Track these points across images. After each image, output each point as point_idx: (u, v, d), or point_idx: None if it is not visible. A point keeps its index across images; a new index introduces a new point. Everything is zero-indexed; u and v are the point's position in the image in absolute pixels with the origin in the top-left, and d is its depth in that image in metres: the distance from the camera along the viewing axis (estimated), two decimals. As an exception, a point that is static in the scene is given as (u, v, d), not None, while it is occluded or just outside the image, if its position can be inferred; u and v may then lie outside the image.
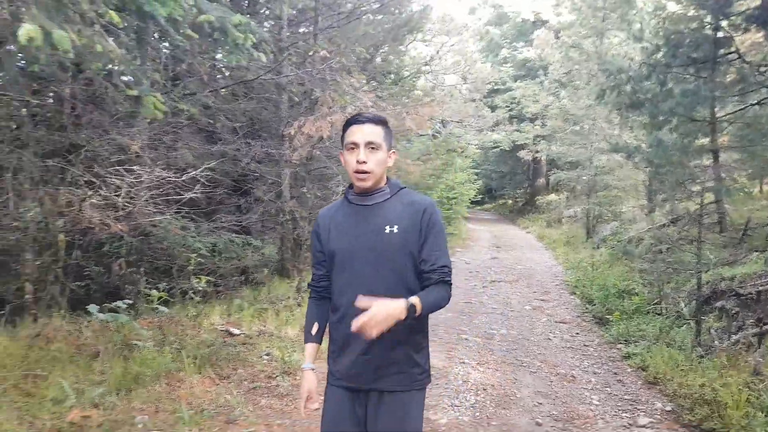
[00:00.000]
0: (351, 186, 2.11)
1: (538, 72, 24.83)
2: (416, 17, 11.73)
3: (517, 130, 25.32)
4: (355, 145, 2.00)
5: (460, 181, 18.15)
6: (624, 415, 4.42)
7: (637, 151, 10.15)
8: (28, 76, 4.45)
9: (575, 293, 9.55)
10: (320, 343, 2.19)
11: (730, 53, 8.37)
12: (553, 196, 23.38)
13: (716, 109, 8.89)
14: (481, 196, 26.19)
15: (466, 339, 6.36)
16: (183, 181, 4.96)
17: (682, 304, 6.75)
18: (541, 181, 29.06)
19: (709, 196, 8.96)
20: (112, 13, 2.33)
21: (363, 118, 2.02)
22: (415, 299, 1.87)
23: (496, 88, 25.17)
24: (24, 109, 4.49)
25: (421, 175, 12.98)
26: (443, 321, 7.04)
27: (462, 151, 18.59)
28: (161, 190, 4.87)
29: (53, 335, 4.84)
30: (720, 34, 8.32)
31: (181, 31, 2.46)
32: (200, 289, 6.08)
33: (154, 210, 5.17)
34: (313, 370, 2.14)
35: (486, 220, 26.70)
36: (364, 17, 10.65)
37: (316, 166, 8.76)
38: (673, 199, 9.38)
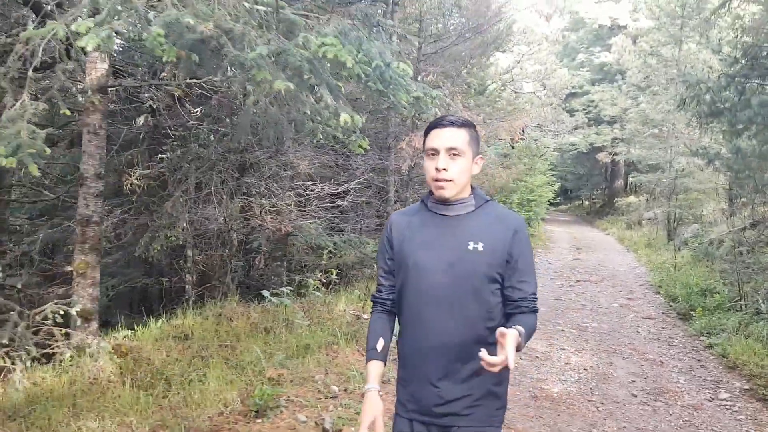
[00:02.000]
0: (431, 192, 1.89)
1: (615, 76, 24.88)
2: (503, 35, 12.52)
3: (596, 133, 25.46)
4: (435, 151, 1.81)
5: (539, 184, 18.69)
6: (706, 391, 5.14)
7: (717, 156, 10.55)
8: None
9: (659, 292, 10.08)
10: (385, 362, 1.91)
11: (807, 65, 8.68)
12: (632, 198, 23.41)
13: (795, 118, 9.17)
14: (557, 198, 26.42)
15: (562, 330, 7.16)
16: (333, 192, 6.08)
17: (761, 302, 7.27)
18: (619, 183, 28.92)
19: (791, 201, 9.31)
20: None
21: (445, 121, 1.83)
22: (521, 330, 1.70)
23: (573, 92, 25.41)
24: (211, 136, 5.72)
25: (506, 179, 13.76)
26: (541, 315, 7.86)
27: (542, 155, 19.13)
28: (325, 200, 6.01)
29: (231, 315, 6.06)
30: (797, 46, 8.67)
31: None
32: (334, 280, 7.21)
33: (301, 215, 6.32)
34: (378, 392, 1.83)
35: (563, 222, 26.94)
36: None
37: (417, 173, 9.77)
38: (753, 203, 9.75)
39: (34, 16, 4.75)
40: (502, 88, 15.59)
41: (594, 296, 9.66)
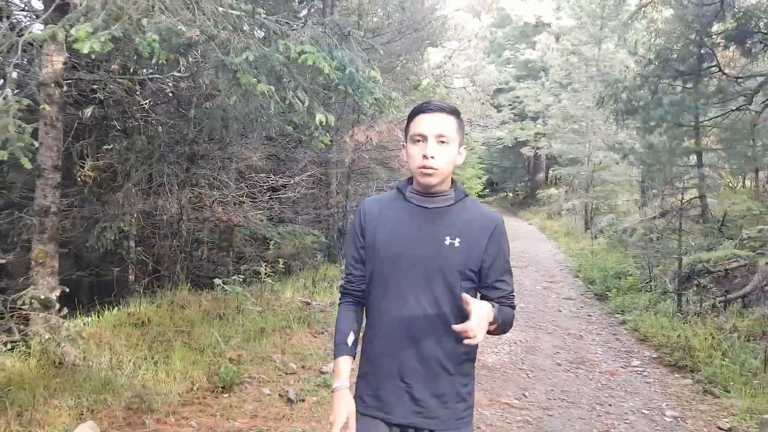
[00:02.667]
0: (410, 180, 1.82)
1: (539, 73, 26.21)
2: (437, 31, 13.08)
3: (520, 128, 26.74)
4: (422, 137, 1.70)
5: (468, 176, 19.53)
6: (620, 359, 5.85)
7: (631, 151, 11.59)
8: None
9: (578, 276, 10.99)
10: (355, 357, 1.84)
11: (712, 67, 9.73)
12: (553, 190, 24.82)
13: (700, 116, 10.25)
14: (484, 190, 27.55)
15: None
16: (280, 184, 6.36)
17: (668, 282, 8.18)
18: (541, 175, 30.50)
19: (694, 192, 10.43)
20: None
21: (434, 106, 1.72)
22: (495, 305, 1.67)
23: (499, 87, 26.54)
24: (159, 127, 5.84)
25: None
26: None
27: (471, 149, 19.98)
28: (278, 192, 6.27)
29: (183, 303, 6.24)
30: (703, 51, 9.70)
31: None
32: (280, 269, 7.49)
33: (251, 207, 6.57)
34: (349, 389, 1.78)
35: (490, 213, 28.11)
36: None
37: (359, 165, 10.16)
38: (663, 195, 10.84)
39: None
40: (436, 83, 16.20)
41: (519, 280, 10.40)
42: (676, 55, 10.16)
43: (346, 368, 1.77)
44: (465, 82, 21.20)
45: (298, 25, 2.89)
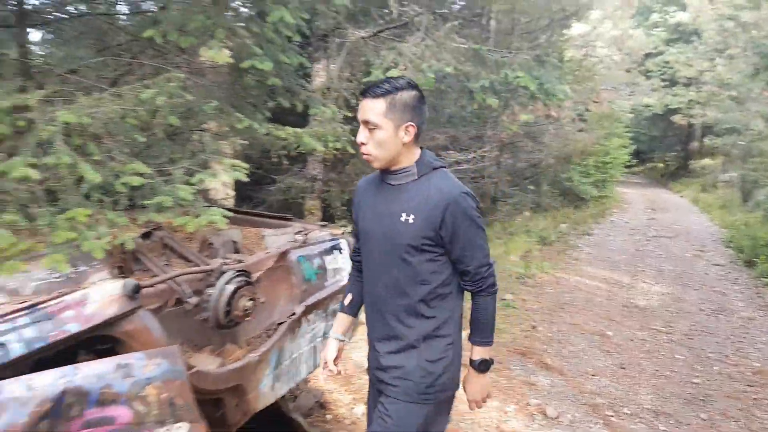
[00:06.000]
0: None
1: (691, 36, 25.66)
2: (583, 7, 14.10)
3: (671, 95, 26.42)
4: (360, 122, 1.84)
5: (614, 147, 20.09)
6: (760, 310, 7.01)
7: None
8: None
9: (729, 246, 11.75)
10: (354, 316, 2.17)
11: None
12: (707, 161, 24.47)
13: None
14: (631, 160, 27.58)
15: (643, 270, 9.07)
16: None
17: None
18: (695, 145, 29.78)
19: None
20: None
21: (366, 91, 1.83)
22: (477, 353, 1.92)
23: (647, 52, 26.35)
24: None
25: (584, 144, 15.44)
26: (623, 260, 9.77)
27: (617, 119, 20.53)
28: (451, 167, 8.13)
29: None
30: None
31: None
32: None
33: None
34: (338, 340, 2.12)
35: (636, 184, 28.19)
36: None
37: (510, 140, 11.68)
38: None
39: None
40: (582, 56, 17.10)
41: (669, 248, 11.44)
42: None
43: (338, 323, 2.17)
44: (611, 50, 21.64)
45: (510, 53, 4.54)
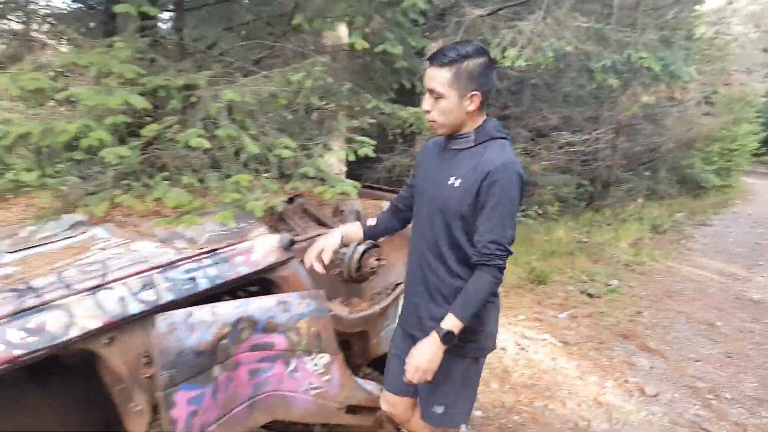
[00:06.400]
0: None
1: None
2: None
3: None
4: (425, 90, 1.91)
5: (742, 133, 18.83)
6: None
7: None
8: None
9: None
10: (363, 236, 2.26)
11: None
12: None
13: None
14: (761, 148, 25.63)
15: (761, 264, 8.67)
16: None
17: None
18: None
19: None
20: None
21: (432, 58, 1.86)
22: (449, 321, 1.85)
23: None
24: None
25: (710, 128, 14.62)
26: (742, 253, 9.37)
27: (748, 102, 19.17)
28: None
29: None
30: None
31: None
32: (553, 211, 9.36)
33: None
34: (341, 235, 2.18)
35: (765, 174, 26.21)
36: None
37: (627, 122, 11.39)
38: None
39: None
40: (714, 34, 16.10)
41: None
42: None
43: (352, 227, 2.26)
44: (746, 28, 20.11)
45: (634, 32, 4.56)
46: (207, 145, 2.70)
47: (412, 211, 2.15)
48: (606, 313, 5.67)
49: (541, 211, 10.23)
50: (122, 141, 2.68)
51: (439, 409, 2.06)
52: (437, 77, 1.83)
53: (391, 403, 2.29)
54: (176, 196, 2.54)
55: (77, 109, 2.59)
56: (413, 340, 2.02)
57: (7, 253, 2.26)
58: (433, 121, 1.91)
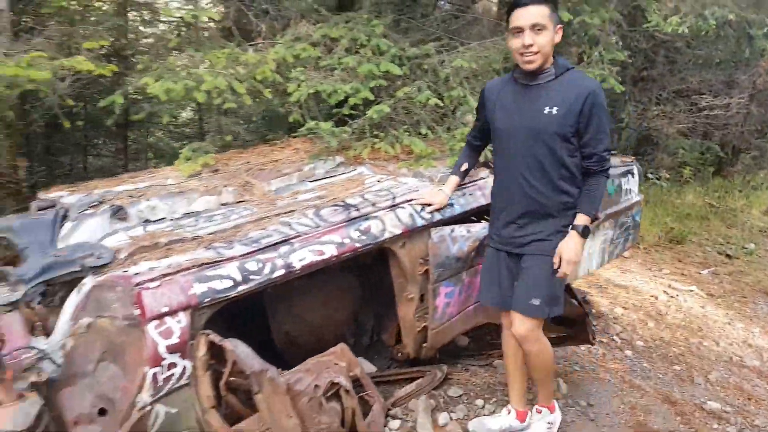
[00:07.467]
0: (517, 65, 2.27)
1: None
2: None
3: None
4: (519, 30, 2.13)
5: None
6: None
7: None
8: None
9: None
10: (462, 180, 2.74)
11: None
12: None
13: None
14: None
15: None
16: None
17: None
18: None
19: None
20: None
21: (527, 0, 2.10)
22: (581, 218, 2.26)
23: None
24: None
25: None
26: None
27: None
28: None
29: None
30: None
31: None
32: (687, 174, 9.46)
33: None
34: (446, 194, 2.71)
35: None
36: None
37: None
38: None
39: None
40: None
41: None
42: None
43: (451, 182, 2.73)
44: None
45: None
46: (438, 102, 3.37)
47: (483, 142, 2.64)
48: (745, 272, 5.98)
49: (668, 176, 10.33)
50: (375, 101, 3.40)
51: (537, 302, 2.33)
52: (539, 12, 2.11)
53: (504, 315, 2.58)
54: (419, 144, 3.23)
55: (346, 74, 3.32)
56: (513, 259, 2.41)
57: (309, 181, 3.06)
58: (537, 53, 2.14)
